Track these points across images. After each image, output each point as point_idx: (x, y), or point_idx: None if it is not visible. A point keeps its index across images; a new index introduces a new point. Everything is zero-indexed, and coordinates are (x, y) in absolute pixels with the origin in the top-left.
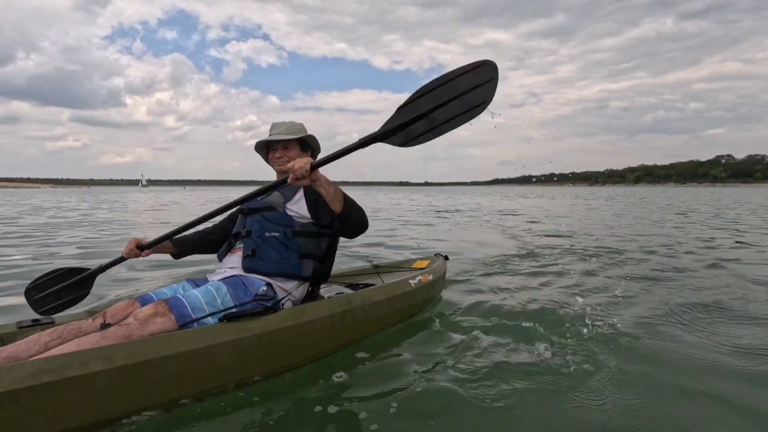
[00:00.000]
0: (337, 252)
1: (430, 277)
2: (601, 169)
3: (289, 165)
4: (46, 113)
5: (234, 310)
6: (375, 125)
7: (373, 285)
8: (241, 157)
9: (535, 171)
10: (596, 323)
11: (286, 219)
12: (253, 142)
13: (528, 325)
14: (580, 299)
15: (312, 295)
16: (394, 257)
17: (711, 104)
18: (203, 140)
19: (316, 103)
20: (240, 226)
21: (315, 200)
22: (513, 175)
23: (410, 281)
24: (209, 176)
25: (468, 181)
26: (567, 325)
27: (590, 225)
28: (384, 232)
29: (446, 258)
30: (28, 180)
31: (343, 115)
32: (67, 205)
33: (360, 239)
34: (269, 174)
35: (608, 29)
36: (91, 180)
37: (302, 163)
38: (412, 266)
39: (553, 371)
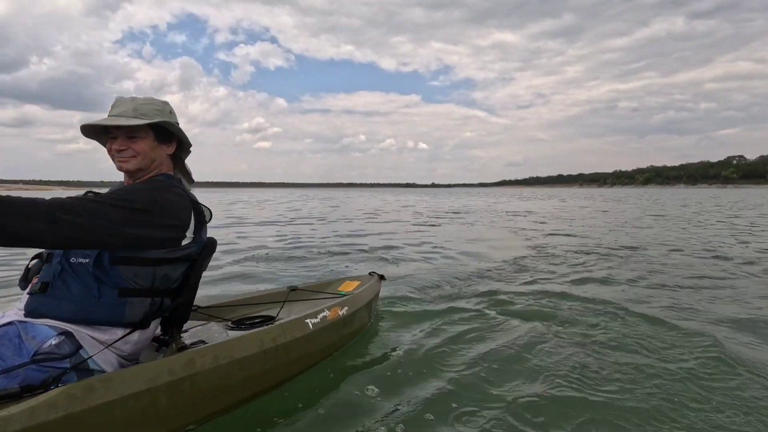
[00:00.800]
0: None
1: (343, 311)
2: (610, 170)
3: None
4: (57, 116)
5: None
6: (382, 127)
7: (270, 319)
8: (248, 159)
9: (543, 172)
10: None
11: None
12: (259, 143)
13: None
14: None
15: (167, 342)
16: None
17: (723, 104)
18: (211, 142)
19: (323, 105)
20: None
21: None
22: (520, 177)
23: (308, 321)
24: (217, 178)
25: (475, 182)
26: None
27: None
28: (386, 239)
29: (382, 278)
30: (41, 182)
31: (350, 117)
32: None
33: (357, 243)
34: (273, 175)
35: (618, 29)
36: (101, 182)
37: None
38: (339, 288)
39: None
